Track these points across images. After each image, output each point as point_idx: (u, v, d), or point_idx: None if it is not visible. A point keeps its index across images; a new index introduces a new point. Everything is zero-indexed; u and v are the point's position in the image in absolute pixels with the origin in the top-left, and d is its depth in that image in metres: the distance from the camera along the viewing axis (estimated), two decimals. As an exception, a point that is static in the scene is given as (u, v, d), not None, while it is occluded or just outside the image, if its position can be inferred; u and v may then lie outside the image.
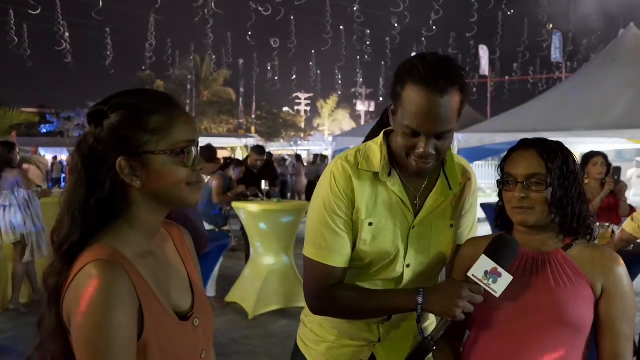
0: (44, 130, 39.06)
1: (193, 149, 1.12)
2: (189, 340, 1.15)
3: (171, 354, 1.09)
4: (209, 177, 6.23)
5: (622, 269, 1.43)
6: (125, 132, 1.07)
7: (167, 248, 1.23)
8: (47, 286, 1.07)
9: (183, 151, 1.11)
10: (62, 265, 1.06)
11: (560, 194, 1.42)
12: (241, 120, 41.07)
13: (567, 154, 1.46)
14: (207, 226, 5.72)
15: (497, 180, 1.51)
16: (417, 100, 1.38)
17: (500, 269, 1.35)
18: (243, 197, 6.26)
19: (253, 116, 38.70)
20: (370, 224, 1.55)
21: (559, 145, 1.48)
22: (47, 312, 1.07)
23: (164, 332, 1.09)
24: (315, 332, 1.70)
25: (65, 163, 24.11)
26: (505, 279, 1.35)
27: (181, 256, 1.26)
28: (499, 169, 1.52)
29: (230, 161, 6.86)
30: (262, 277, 5.56)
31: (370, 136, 1.75)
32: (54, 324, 1.06)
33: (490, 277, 1.35)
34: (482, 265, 1.36)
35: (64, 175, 21.36)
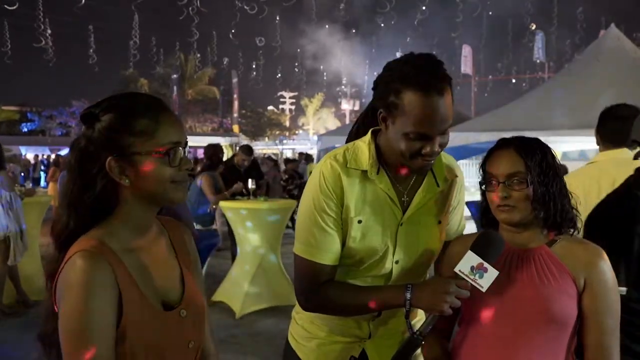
0: (25, 129, 38.53)
1: (179, 150, 1.20)
2: (173, 329, 1.21)
3: (151, 341, 1.16)
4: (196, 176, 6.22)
5: (605, 264, 1.46)
6: (114, 134, 1.16)
7: (160, 244, 1.30)
8: (46, 273, 1.18)
9: (168, 152, 1.18)
10: (57, 255, 1.17)
11: (542, 191, 1.44)
12: (226, 120, 40.87)
13: (545, 150, 1.48)
14: (195, 225, 5.72)
15: (479, 181, 1.54)
16: (421, 107, 1.40)
17: (486, 264, 1.38)
18: (230, 197, 6.25)
19: (236, 114, 38.49)
20: (360, 222, 1.57)
21: (537, 141, 1.50)
22: (46, 296, 1.17)
23: (144, 319, 1.16)
24: (306, 329, 1.72)
25: (45, 162, 23.79)
26: (491, 274, 1.38)
27: (176, 252, 1.33)
28: (480, 169, 1.54)
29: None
30: (249, 276, 5.56)
31: (353, 135, 1.76)
32: (49, 308, 1.17)
33: (476, 272, 1.38)
34: (469, 261, 1.39)
35: (44, 174, 21.09)
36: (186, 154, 1.22)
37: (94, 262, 1.10)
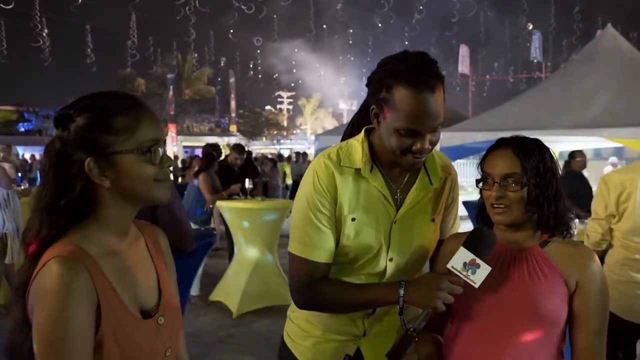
0: (22, 129, 38.48)
1: (160, 147, 1.16)
2: (151, 337, 1.17)
3: (129, 350, 1.12)
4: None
5: (596, 266, 1.47)
6: (91, 134, 1.10)
7: (138, 248, 1.26)
8: (16, 283, 1.12)
9: (149, 149, 1.14)
10: (29, 263, 1.10)
11: (536, 193, 1.44)
12: (223, 119, 40.80)
13: (543, 152, 1.48)
14: (192, 225, 5.71)
15: (477, 179, 1.54)
16: (412, 102, 1.41)
17: (478, 260, 1.39)
18: (227, 197, 6.25)
19: (233, 114, 38.36)
20: (353, 220, 1.57)
21: (536, 143, 1.49)
22: (14, 306, 1.11)
23: (122, 328, 1.11)
24: (302, 327, 1.73)
25: (43, 162, 23.67)
26: (484, 270, 1.39)
27: (152, 256, 1.29)
28: (479, 167, 1.55)
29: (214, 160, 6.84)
30: (246, 275, 5.57)
31: (348, 135, 1.77)
32: (19, 317, 1.10)
33: (469, 268, 1.39)
34: (461, 257, 1.40)
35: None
36: (165, 152, 1.18)
37: (72, 268, 1.05)
